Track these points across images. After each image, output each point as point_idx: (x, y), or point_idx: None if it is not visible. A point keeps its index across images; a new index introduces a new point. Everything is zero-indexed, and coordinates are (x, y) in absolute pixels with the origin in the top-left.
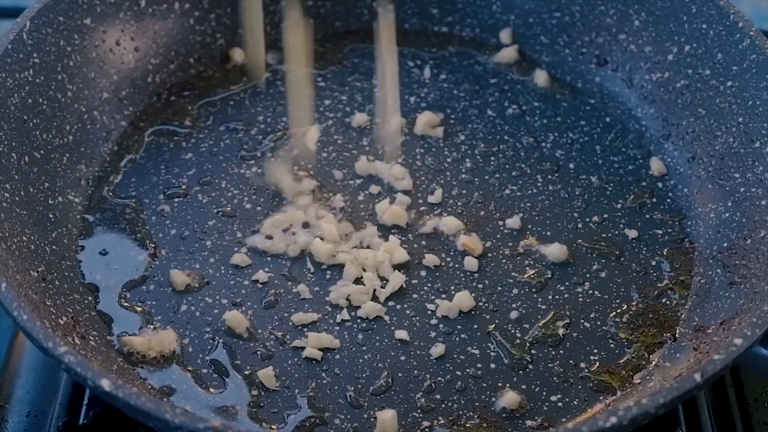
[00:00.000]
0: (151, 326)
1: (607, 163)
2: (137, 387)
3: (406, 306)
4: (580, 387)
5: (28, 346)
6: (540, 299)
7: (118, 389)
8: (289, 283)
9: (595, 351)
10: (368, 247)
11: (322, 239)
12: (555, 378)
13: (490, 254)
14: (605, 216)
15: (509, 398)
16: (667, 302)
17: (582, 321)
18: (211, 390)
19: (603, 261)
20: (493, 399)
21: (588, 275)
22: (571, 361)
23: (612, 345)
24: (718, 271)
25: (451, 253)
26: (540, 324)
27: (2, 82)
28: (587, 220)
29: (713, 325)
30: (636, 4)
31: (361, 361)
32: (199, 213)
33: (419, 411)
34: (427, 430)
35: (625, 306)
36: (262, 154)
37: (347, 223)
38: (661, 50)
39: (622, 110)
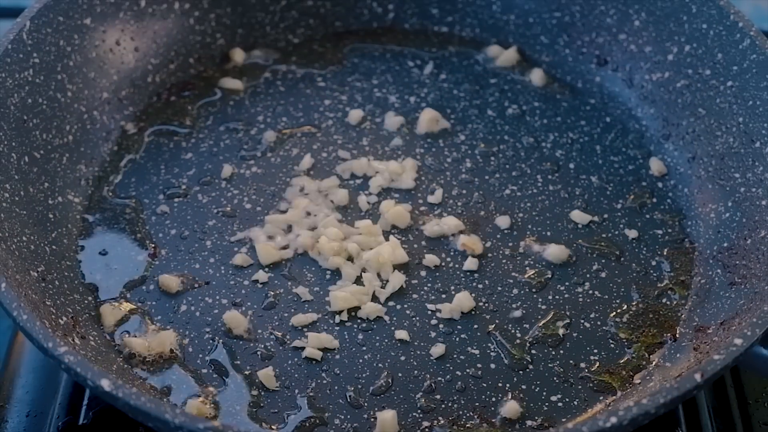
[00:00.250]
0: (152, 326)
1: (607, 163)
2: (137, 387)
3: (406, 306)
4: (580, 387)
5: (28, 346)
6: (540, 299)
7: (118, 389)
8: (289, 283)
9: (595, 351)
10: (369, 247)
11: (322, 239)
12: (555, 378)
13: (490, 254)
14: (605, 216)
15: (510, 408)
16: (667, 302)
17: (582, 321)
18: (211, 390)
19: (603, 261)
20: (494, 399)
21: (588, 275)
22: (571, 361)
23: (612, 345)
24: (718, 271)
25: (451, 253)
26: (540, 324)
27: (2, 82)
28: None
29: (713, 325)
30: (636, 4)
31: (361, 361)
32: (199, 213)
33: (419, 411)
34: (427, 430)
35: (626, 306)
36: (262, 154)
37: (347, 223)
38: (661, 50)
39: (622, 110)
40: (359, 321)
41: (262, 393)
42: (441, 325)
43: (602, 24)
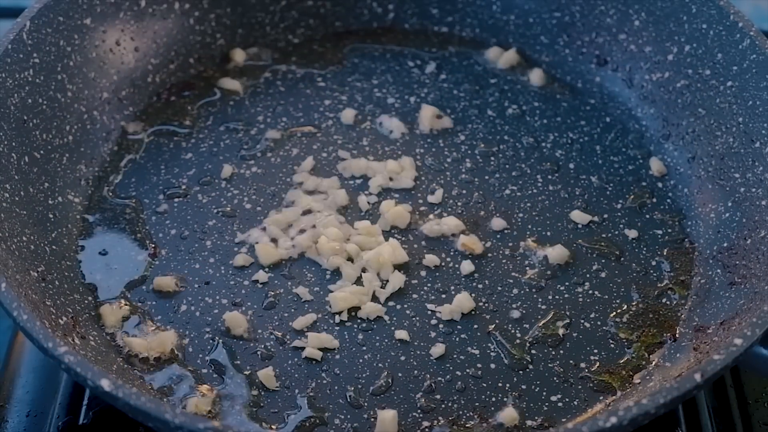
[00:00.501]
0: (152, 326)
1: (607, 163)
2: (137, 387)
3: (406, 306)
4: (580, 387)
5: (28, 346)
6: (540, 299)
7: (118, 389)
8: (289, 283)
9: (595, 351)
10: (368, 247)
11: (322, 239)
12: (555, 378)
13: (490, 254)
14: (605, 216)
15: (507, 415)
16: (667, 302)
17: (582, 321)
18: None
19: (603, 261)
20: (494, 399)
21: (588, 275)
22: (571, 361)
23: (612, 345)
24: (718, 271)
25: (451, 254)
26: (540, 324)
27: (2, 82)
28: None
29: (713, 325)
30: (636, 4)
31: (361, 361)
32: (199, 213)
33: (419, 411)
34: (427, 430)
35: (625, 306)
36: (262, 154)
37: (347, 223)
38: (661, 50)
39: (622, 110)
40: (359, 321)
41: (262, 393)
42: (441, 325)
43: (602, 24)
